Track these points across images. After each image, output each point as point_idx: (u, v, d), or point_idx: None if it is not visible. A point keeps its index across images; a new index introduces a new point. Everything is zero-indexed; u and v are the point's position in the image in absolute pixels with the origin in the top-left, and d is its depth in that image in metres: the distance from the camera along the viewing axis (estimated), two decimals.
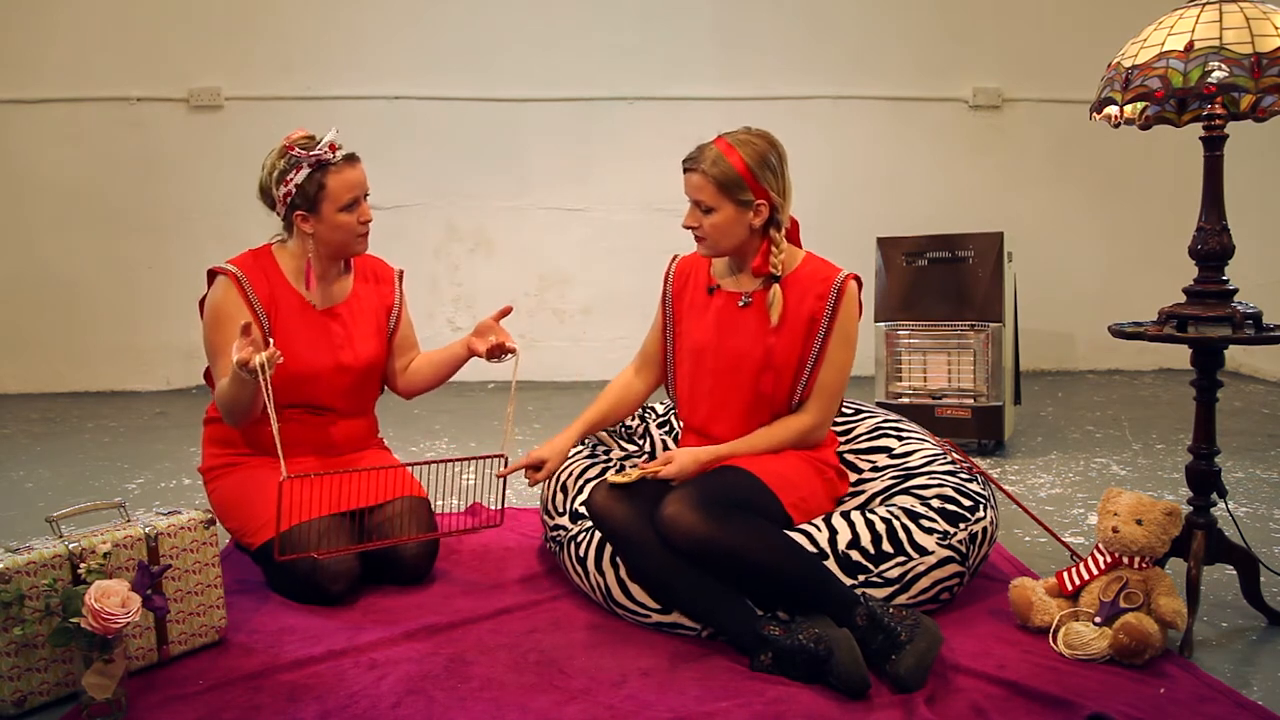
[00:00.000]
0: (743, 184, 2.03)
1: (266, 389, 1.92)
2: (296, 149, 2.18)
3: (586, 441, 2.57)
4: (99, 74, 5.27)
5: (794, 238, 2.19)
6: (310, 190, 2.18)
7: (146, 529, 1.84)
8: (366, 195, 2.27)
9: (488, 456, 2.23)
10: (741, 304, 2.14)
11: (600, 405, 2.29)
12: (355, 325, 2.35)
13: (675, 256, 2.33)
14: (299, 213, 2.22)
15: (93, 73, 5.27)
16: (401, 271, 2.51)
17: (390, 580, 2.26)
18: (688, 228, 2.10)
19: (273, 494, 2.16)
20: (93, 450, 3.94)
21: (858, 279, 2.14)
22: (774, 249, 2.10)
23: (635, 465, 2.27)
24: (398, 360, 2.46)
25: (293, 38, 5.35)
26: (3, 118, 5.27)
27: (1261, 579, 2.04)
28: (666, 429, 2.63)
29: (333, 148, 2.19)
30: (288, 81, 5.35)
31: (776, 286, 2.09)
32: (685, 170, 2.08)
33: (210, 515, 1.96)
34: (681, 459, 2.03)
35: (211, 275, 2.26)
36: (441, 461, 2.28)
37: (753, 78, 5.45)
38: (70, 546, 1.73)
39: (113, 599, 1.61)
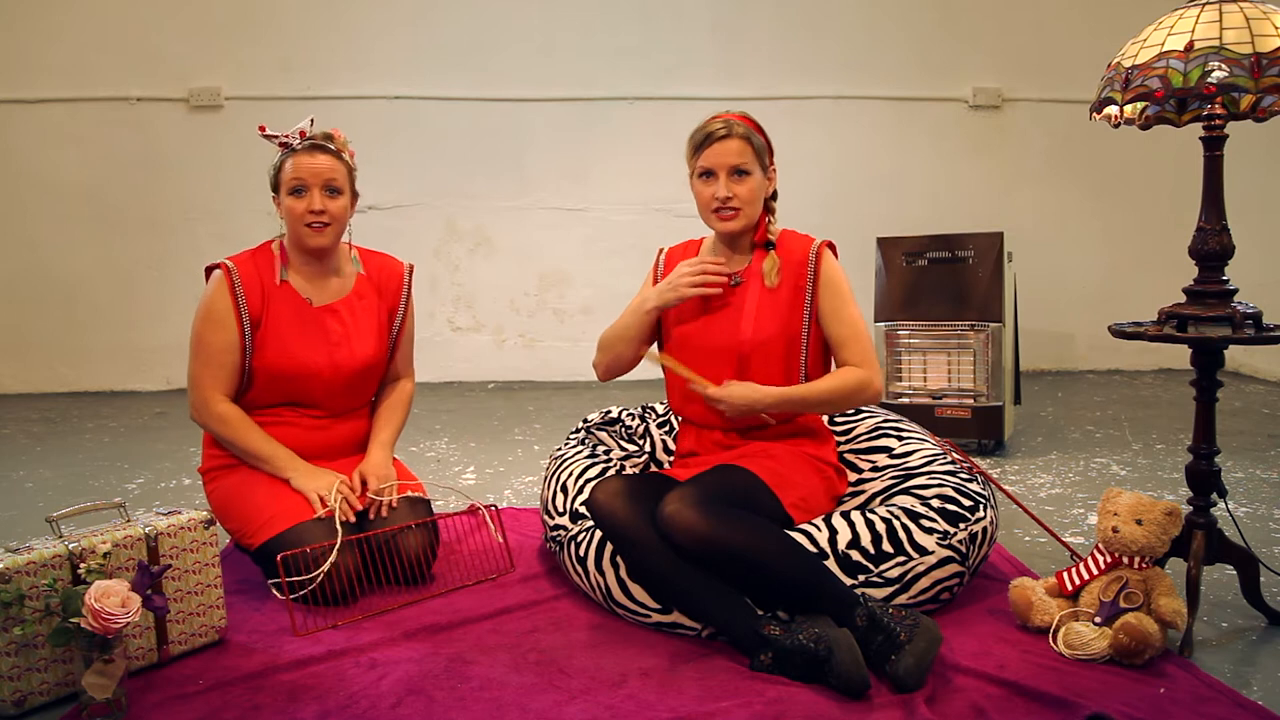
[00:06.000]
0: (768, 153, 2.14)
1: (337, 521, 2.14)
2: (267, 131, 2.24)
3: (586, 441, 2.58)
4: (99, 74, 5.27)
5: None
6: (273, 174, 2.26)
7: (146, 529, 1.84)
8: (330, 190, 2.21)
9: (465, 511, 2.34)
10: (734, 283, 2.17)
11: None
12: (354, 324, 2.33)
13: (661, 250, 2.34)
14: (274, 196, 2.28)
15: (93, 73, 5.27)
16: (412, 266, 2.46)
17: (390, 580, 2.26)
18: (723, 200, 2.08)
19: (272, 495, 2.17)
20: (93, 450, 3.94)
21: (831, 245, 2.20)
22: (770, 218, 2.19)
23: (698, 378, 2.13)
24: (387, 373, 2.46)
25: (293, 38, 5.35)
26: (3, 118, 5.27)
27: (1261, 579, 2.04)
28: (667, 429, 2.63)
29: (302, 134, 2.22)
30: (288, 81, 5.34)
31: (773, 253, 2.16)
32: (720, 138, 2.08)
33: (210, 515, 1.96)
34: (737, 390, 2.05)
35: (209, 272, 2.28)
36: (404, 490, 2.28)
37: (753, 78, 5.44)
38: (70, 546, 1.73)
39: (113, 599, 1.61)
